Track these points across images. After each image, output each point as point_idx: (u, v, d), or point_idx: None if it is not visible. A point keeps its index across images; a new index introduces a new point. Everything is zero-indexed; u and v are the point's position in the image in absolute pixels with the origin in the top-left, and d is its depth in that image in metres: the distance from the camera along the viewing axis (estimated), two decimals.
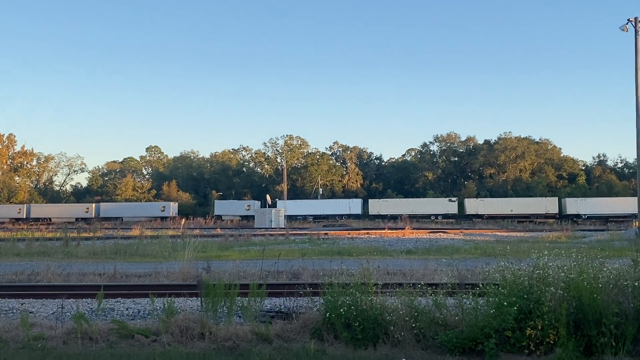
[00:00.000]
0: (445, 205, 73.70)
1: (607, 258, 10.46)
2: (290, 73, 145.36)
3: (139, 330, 9.85)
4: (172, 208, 78.82)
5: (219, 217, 75.57)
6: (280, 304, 12.07)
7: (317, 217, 75.05)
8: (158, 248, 27.25)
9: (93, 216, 77.64)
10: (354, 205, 76.79)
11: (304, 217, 75.36)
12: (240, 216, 76.70)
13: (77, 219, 75.77)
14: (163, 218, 73.84)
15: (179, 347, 9.22)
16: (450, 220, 70.03)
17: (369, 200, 78.57)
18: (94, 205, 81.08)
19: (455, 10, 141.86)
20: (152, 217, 75.33)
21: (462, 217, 71.63)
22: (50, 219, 77.18)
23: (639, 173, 36.92)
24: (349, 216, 74.76)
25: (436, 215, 72.36)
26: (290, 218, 70.47)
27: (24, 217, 78.40)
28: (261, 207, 73.13)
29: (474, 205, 73.48)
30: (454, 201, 74.02)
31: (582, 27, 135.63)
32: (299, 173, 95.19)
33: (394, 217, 70.11)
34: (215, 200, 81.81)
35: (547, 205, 71.85)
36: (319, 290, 10.40)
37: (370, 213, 74.63)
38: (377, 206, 75.65)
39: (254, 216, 73.26)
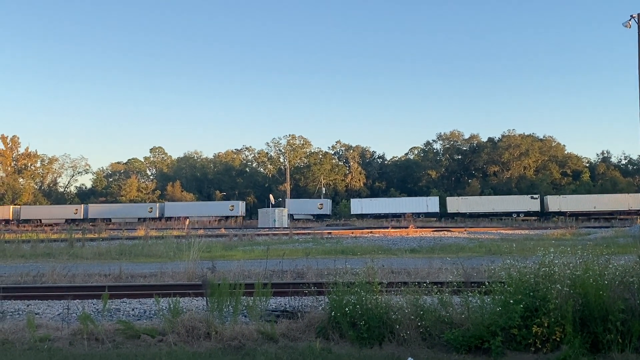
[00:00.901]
0: (527, 203, 72.60)
1: (612, 255, 10.42)
2: (292, 73, 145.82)
3: (145, 330, 9.85)
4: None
5: (290, 216, 74.15)
6: (285, 303, 12.08)
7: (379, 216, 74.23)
8: (163, 248, 27.33)
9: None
10: (431, 203, 75.34)
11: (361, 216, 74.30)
12: (313, 215, 76.04)
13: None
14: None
15: (185, 347, 9.23)
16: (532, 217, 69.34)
17: (447, 198, 76.92)
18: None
19: (459, 10, 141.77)
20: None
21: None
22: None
23: None
24: (427, 214, 73.75)
25: (518, 213, 71.51)
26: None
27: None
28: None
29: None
30: (536, 198, 72.65)
31: (585, 26, 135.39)
32: (302, 172, 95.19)
33: (473, 216, 70.28)
34: (287, 200, 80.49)
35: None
36: (324, 289, 10.39)
37: (448, 211, 73.62)
38: (456, 204, 74.35)
39: (328, 215, 73.52)
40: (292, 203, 77.05)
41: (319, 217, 75.15)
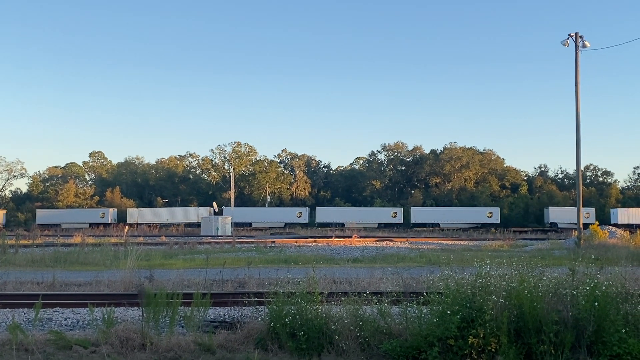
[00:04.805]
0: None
1: (547, 267, 10.70)
2: (237, 79, 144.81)
3: (77, 341, 9.55)
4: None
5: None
6: (224, 313, 11.93)
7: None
8: (100, 256, 26.61)
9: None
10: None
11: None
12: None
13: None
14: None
15: (118, 358, 8.97)
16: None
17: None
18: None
19: (404, 20, 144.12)
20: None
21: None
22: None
23: (578, 184, 38.09)
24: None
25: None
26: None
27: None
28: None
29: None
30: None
31: (525, 40, 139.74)
32: (247, 180, 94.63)
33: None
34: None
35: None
36: (264, 299, 10.30)
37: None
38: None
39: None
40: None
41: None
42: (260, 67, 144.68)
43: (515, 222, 75.47)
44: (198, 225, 66.87)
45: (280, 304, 9.55)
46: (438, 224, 72.68)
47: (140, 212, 77.56)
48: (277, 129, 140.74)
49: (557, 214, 72.25)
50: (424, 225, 73.38)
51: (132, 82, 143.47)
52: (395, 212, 75.48)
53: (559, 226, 68.61)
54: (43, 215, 79.44)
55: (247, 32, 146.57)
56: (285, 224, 74.97)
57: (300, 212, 77.11)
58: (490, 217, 73.65)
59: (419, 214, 75.71)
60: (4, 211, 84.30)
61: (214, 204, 74.40)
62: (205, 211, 75.00)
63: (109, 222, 75.55)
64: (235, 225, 69.96)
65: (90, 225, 73.85)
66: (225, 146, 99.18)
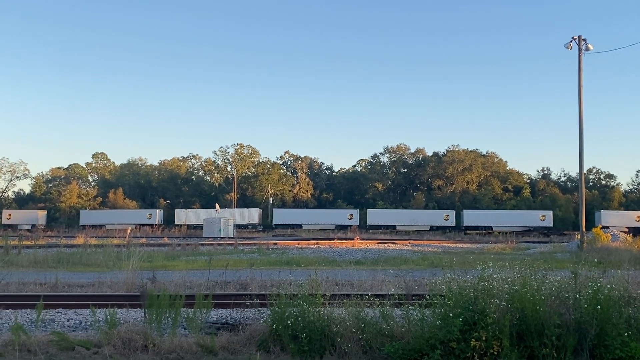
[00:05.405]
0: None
1: (549, 270, 10.68)
2: (241, 81, 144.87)
3: (79, 342, 9.56)
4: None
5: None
6: (226, 315, 11.92)
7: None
8: (102, 257, 26.62)
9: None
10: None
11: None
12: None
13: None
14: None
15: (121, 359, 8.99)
16: None
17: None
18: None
19: (407, 22, 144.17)
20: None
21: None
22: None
23: (581, 187, 38.03)
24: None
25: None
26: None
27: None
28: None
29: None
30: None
31: (528, 43, 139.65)
32: (249, 182, 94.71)
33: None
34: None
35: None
36: (267, 301, 10.30)
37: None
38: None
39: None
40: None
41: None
42: (263, 69, 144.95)
43: None
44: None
45: (283, 305, 9.54)
46: (491, 227, 71.80)
47: (188, 214, 77.54)
48: (279, 131, 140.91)
49: (608, 218, 70.26)
50: (476, 228, 72.02)
51: (136, 84, 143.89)
52: (447, 215, 74.96)
53: (611, 230, 68.12)
54: (87, 215, 79.27)
55: (251, 33, 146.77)
56: (336, 225, 73.97)
57: (352, 215, 76.23)
58: (543, 220, 72.13)
59: (471, 217, 74.43)
60: (45, 212, 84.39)
61: (217, 205, 74.43)
62: (255, 212, 75.38)
63: (156, 223, 75.71)
64: (281, 227, 69.48)
65: (137, 226, 73.87)
66: (228, 148, 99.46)
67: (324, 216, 76.91)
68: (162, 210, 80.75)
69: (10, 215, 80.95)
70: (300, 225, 73.38)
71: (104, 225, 73.77)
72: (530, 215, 73.83)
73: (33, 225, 76.41)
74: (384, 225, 72.81)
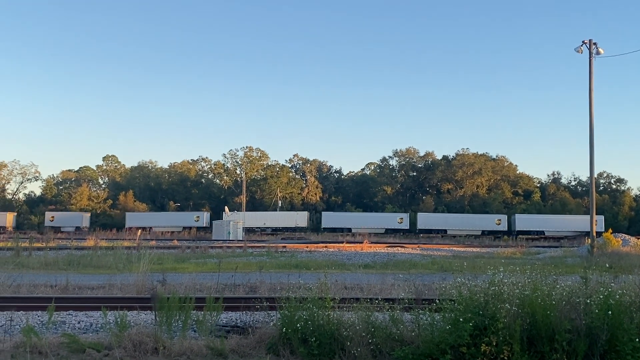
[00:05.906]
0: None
1: (560, 275, 10.64)
2: (250, 85, 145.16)
3: (90, 344, 9.59)
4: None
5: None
6: (236, 318, 11.92)
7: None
8: (112, 259, 26.71)
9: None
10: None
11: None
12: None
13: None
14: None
15: None
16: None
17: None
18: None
19: (416, 27, 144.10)
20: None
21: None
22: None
23: (591, 191, 37.81)
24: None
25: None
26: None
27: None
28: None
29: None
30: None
31: (538, 47, 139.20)
32: (258, 185, 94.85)
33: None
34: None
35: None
36: (276, 304, 10.30)
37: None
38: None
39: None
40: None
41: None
42: (273, 73, 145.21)
43: None
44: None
45: (292, 309, 9.55)
46: (543, 231, 71.58)
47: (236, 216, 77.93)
48: (288, 134, 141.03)
49: None
50: (528, 233, 71.37)
51: (147, 87, 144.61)
52: (500, 220, 74.56)
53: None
54: (133, 217, 79.33)
55: (260, 38, 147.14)
56: (386, 229, 73.75)
57: (402, 218, 75.83)
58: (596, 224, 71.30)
59: (523, 221, 73.99)
60: (89, 214, 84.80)
61: (225, 208, 74.55)
62: (303, 216, 75.25)
63: (204, 225, 75.74)
64: (329, 230, 69.17)
65: (184, 228, 73.98)
66: (237, 151, 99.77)
67: (373, 220, 76.57)
68: (209, 213, 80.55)
69: (53, 217, 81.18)
70: (350, 229, 72.90)
71: (151, 227, 73.56)
72: (581, 221, 73.04)
73: (77, 227, 76.54)
74: (434, 230, 72.32)
